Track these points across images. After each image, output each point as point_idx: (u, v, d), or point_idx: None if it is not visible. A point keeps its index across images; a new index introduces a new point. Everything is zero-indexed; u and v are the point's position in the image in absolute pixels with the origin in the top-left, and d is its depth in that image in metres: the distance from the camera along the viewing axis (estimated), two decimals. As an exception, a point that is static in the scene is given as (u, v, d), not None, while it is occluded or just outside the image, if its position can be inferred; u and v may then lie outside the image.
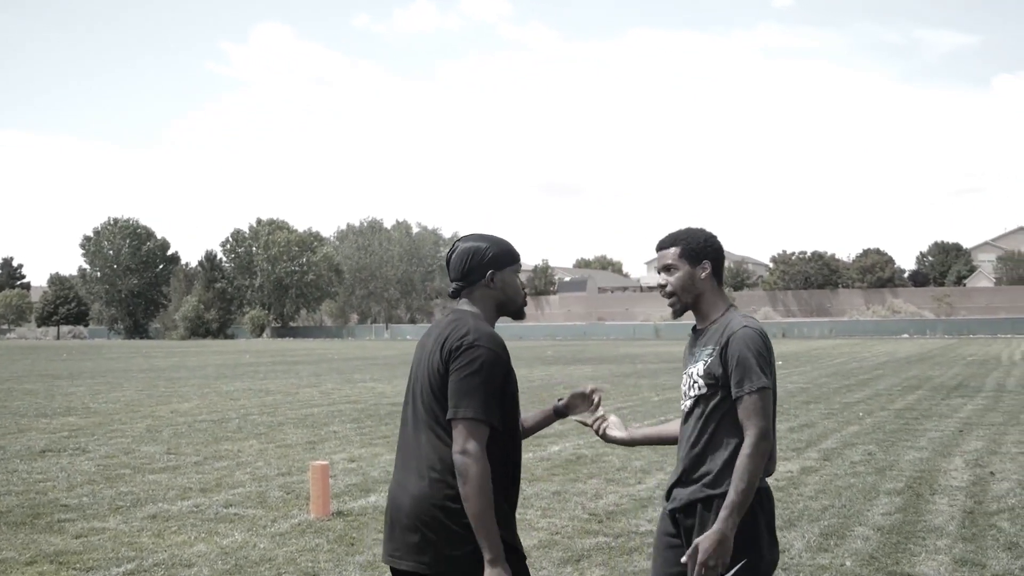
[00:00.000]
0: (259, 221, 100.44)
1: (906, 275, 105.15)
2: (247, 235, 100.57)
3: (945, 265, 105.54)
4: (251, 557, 7.20)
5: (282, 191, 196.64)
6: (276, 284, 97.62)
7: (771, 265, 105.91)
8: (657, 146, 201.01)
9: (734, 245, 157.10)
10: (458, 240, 3.58)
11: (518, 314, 3.60)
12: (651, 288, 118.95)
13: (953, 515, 8.35)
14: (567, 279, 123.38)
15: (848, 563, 6.87)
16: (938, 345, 50.18)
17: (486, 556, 3.14)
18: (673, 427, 4.05)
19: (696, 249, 3.80)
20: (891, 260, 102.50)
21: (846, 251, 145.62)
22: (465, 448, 3.14)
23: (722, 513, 3.52)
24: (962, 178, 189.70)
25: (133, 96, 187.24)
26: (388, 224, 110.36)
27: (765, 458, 3.59)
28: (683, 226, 3.93)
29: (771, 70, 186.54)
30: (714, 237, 3.87)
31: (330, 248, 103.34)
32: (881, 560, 6.94)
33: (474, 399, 3.18)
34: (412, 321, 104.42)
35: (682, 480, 3.77)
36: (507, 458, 3.35)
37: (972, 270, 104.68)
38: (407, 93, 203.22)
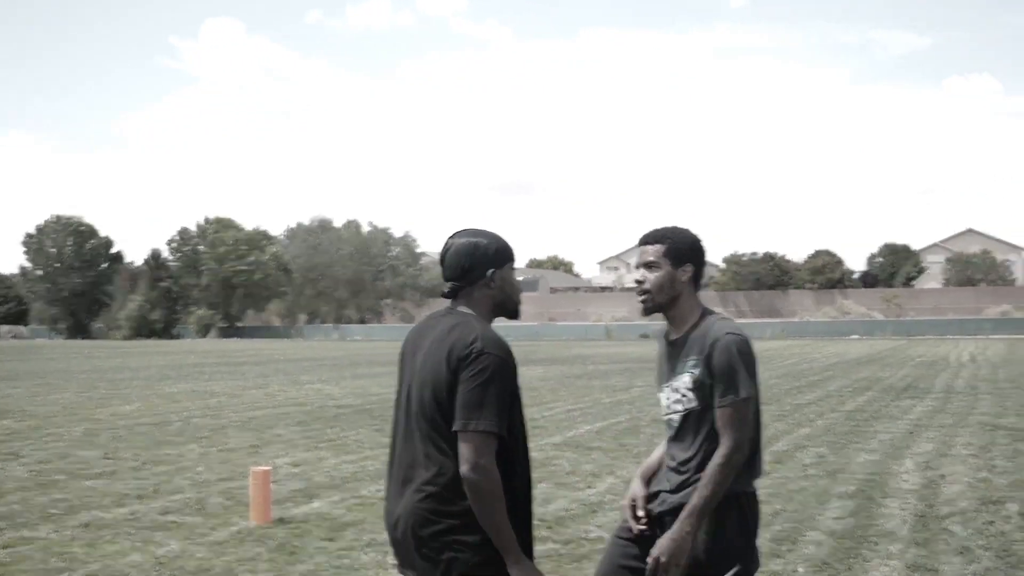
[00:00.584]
0: (206, 219, 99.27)
1: (856, 276, 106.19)
2: (194, 233, 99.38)
3: (894, 266, 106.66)
4: (187, 567, 7.00)
5: (230, 189, 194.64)
6: (223, 283, 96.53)
7: (722, 266, 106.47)
8: (610, 146, 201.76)
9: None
10: (453, 236, 3.43)
11: (515, 313, 3.49)
12: (603, 288, 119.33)
13: (905, 519, 8.33)
14: (519, 279, 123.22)
15: (801, 569, 6.80)
16: (887, 346, 50.65)
17: (508, 560, 3.16)
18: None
19: (681, 250, 3.73)
20: (841, 261, 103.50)
21: (797, 252, 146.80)
22: (477, 462, 3.07)
23: (682, 515, 3.53)
24: (912, 180, 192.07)
25: (79, 91, 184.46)
26: (338, 223, 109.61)
27: (736, 469, 3.57)
28: (667, 224, 3.87)
29: (725, 70, 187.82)
30: (700, 241, 3.81)
31: (279, 247, 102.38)
32: (834, 566, 6.88)
33: (486, 411, 3.10)
34: (362, 321, 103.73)
35: (672, 483, 3.71)
36: (514, 469, 3.25)
37: (921, 271, 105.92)
38: (359, 90, 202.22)
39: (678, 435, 3.74)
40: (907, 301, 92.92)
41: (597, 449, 12.26)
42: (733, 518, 3.60)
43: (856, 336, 70.47)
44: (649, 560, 3.55)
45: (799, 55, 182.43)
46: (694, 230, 3.84)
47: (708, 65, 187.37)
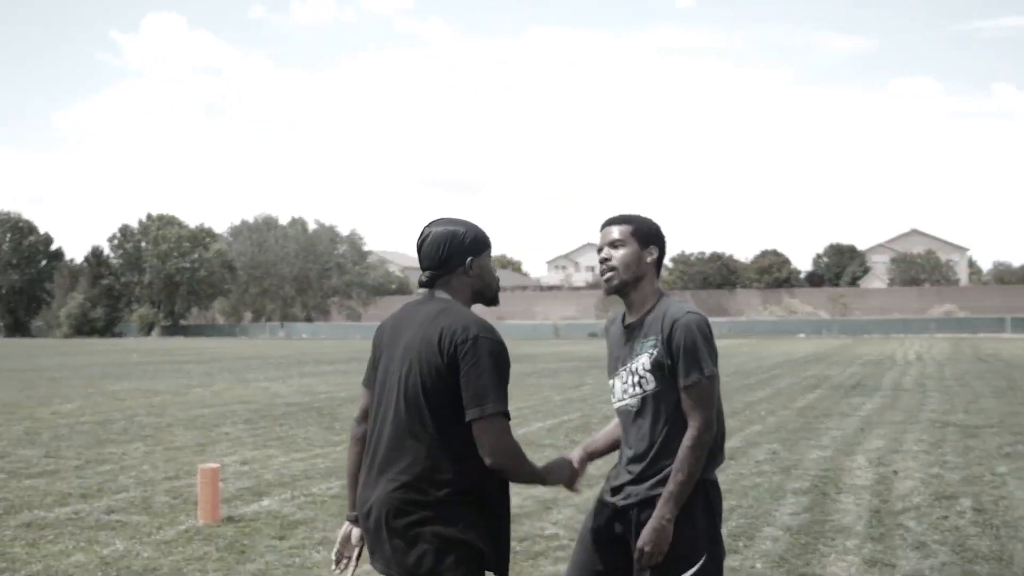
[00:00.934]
0: (149, 216, 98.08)
1: (802, 276, 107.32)
2: (136, 231, 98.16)
3: (840, 266, 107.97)
4: (133, 567, 6.83)
5: (173, 185, 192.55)
6: (166, 281, 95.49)
7: (670, 265, 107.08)
8: (557, 145, 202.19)
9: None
10: (430, 225, 3.43)
11: (494, 300, 3.49)
12: (551, 287, 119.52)
13: (860, 515, 8.35)
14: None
15: (759, 565, 6.78)
16: (834, 345, 51.17)
17: (547, 482, 3.46)
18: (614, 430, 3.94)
19: (648, 232, 3.73)
20: (788, 261, 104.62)
21: (744, 252, 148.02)
22: (502, 444, 3.12)
23: (660, 503, 3.50)
24: (858, 181, 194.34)
25: (17, 86, 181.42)
26: (284, 220, 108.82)
27: (707, 449, 3.55)
28: (632, 212, 3.83)
29: (670, 70, 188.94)
30: (661, 228, 3.80)
31: (223, 244, 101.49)
32: (791, 562, 6.87)
33: (496, 394, 3.12)
34: (308, 320, 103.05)
35: (634, 474, 3.66)
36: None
37: (866, 271, 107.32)
38: (303, 86, 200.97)
39: (636, 422, 3.68)
40: (853, 301, 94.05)
41: (549, 447, 12.18)
42: (700, 506, 3.57)
43: (803, 335, 71.18)
44: (635, 552, 3.52)
45: (744, 56, 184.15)
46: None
47: (654, 65, 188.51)
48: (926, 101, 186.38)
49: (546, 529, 7.91)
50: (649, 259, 3.71)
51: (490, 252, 3.46)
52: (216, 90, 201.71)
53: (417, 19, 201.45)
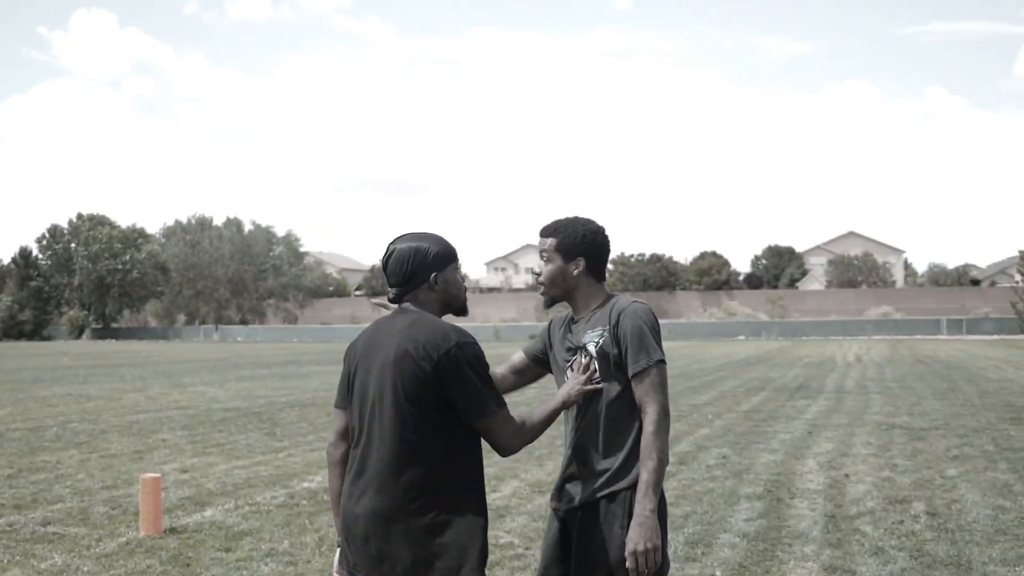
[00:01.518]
0: (79, 216, 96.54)
1: (741, 278, 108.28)
2: (66, 231, 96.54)
3: (778, 268, 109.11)
4: (73, 582, 6.61)
5: (104, 185, 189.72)
6: (97, 283, 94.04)
7: (609, 267, 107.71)
8: (497, 146, 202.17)
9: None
10: (394, 242, 3.48)
11: (462, 311, 3.54)
12: (491, 289, 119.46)
13: (816, 520, 8.34)
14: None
15: (718, 573, 6.72)
16: (774, 347, 51.70)
17: (561, 403, 3.56)
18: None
19: (572, 244, 3.71)
20: (727, 263, 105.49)
21: (683, 254, 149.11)
22: (513, 431, 3.30)
23: (638, 496, 3.43)
24: (796, 182, 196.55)
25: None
26: (219, 221, 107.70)
27: (669, 433, 3.53)
28: (566, 216, 3.79)
29: (610, 71, 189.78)
30: (595, 232, 3.76)
31: (156, 245, 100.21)
32: (751, 568, 6.82)
33: (490, 393, 3.26)
34: (243, 322, 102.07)
35: (577, 476, 3.62)
36: (478, 454, 3.38)
37: (804, 273, 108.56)
38: (237, 85, 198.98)
39: (581, 417, 3.64)
40: (791, 303, 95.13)
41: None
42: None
43: (742, 337, 71.90)
44: (627, 556, 3.40)
45: (683, 58, 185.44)
46: (594, 220, 3.82)
47: (593, 66, 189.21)
48: (862, 104, 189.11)
49: (500, 539, 7.79)
50: (576, 271, 3.70)
51: (456, 265, 3.50)
52: (148, 88, 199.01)
53: (354, 18, 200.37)
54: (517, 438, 3.32)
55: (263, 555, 7.30)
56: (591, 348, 3.60)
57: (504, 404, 3.30)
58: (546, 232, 3.75)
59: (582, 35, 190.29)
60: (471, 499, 3.30)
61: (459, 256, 3.54)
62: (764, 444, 12.91)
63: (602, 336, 3.58)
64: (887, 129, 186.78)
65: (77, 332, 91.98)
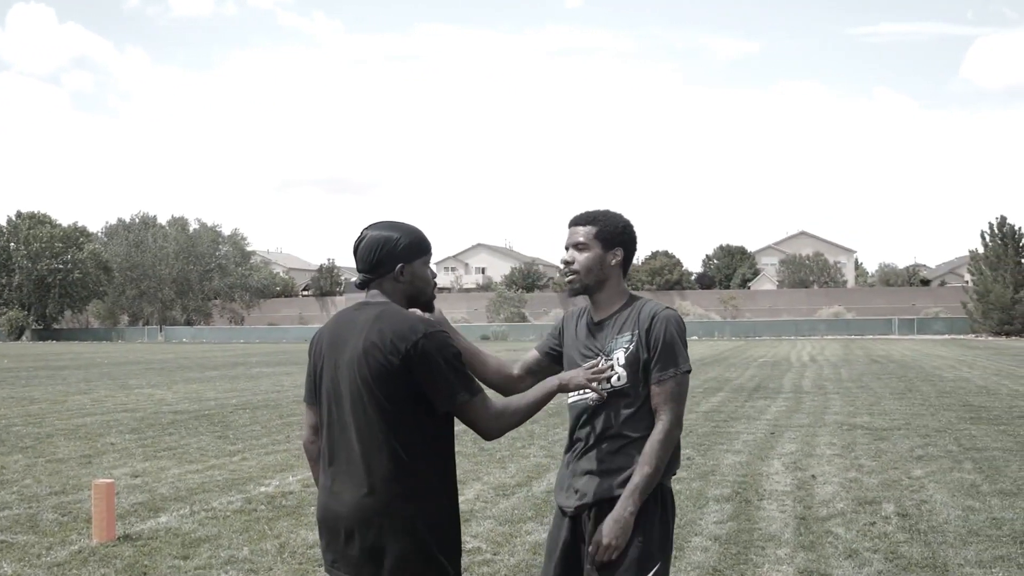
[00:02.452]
0: (18, 214, 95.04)
1: (693, 278, 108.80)
2: (4, 230, 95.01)
3: (730, 268, 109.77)
4: (25, 593, 6.40)
5: (44, 183, 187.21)
6: (37, 283, 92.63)
7: (562, 267, 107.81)
8: (446, 145, 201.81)
9: (523, 246, 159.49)
10: (367, 228, 3.46)
11: (428, 306, 3.52)
12: (441, 289, 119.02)
13: (787, 522, 8.29)
14: (353, 279, 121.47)
15: (693, 577, 6.65)
16: (727, 347, 51.98)
17: (558, 385, 3.48)
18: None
19: (613, 233, 3.72)
20: (679, 263, 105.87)
21: (636, 253, 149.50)
22: (490, 415, 3.26)
23: (624, 496, 3.44)
24: (747, 182, 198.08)
25: None
26: (163, 219, 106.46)
27: (674, 446, 3.53)
28: (599, 207, 3.83)
29: (559, 70, 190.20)
30: (632, 226, 3.81)
31: (98, 244, 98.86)
32: (725, 572, 6.77)
33: (462, 381, 3.24)
34: (188, 323, 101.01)
35: (591, 472, 3.60)
36: (451, 444, 3.39)
37: (756, 273, 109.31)
38: (182, 81, 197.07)
39: (594, 418, 3.62)
40: (743, 303, 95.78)
41: (459, 454, 11.93)
42: (658, 512, 3.55)
43: (695, 337, 72.26)
44: (591, 545, 3.49)
45: (633, 57, 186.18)
46: (626, 215, 3.85)
47: (543, 65, 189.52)
48: (811, 104, 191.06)
49: (467, 543, 7.66)
50: (614, 261, 3.72)
51: (428, 258, 3.49)
52: (88, 84, 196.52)
53: (300, 14, 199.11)
54: (498, 421, 3.29)
55: (222, 563, 7.12)
56: (620, 355, 3.58)
57: (480, 390, 3.30)
58: (583, 220, 3.73)
59: (532, 33, 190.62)
60: (448, 489, 3.32)
61: (431, 251, 3.51)
62: (727, 445, 12.88)
63: (632, 341, 3.58)
64: (837, 129, 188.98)
65: (17, 333, 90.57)
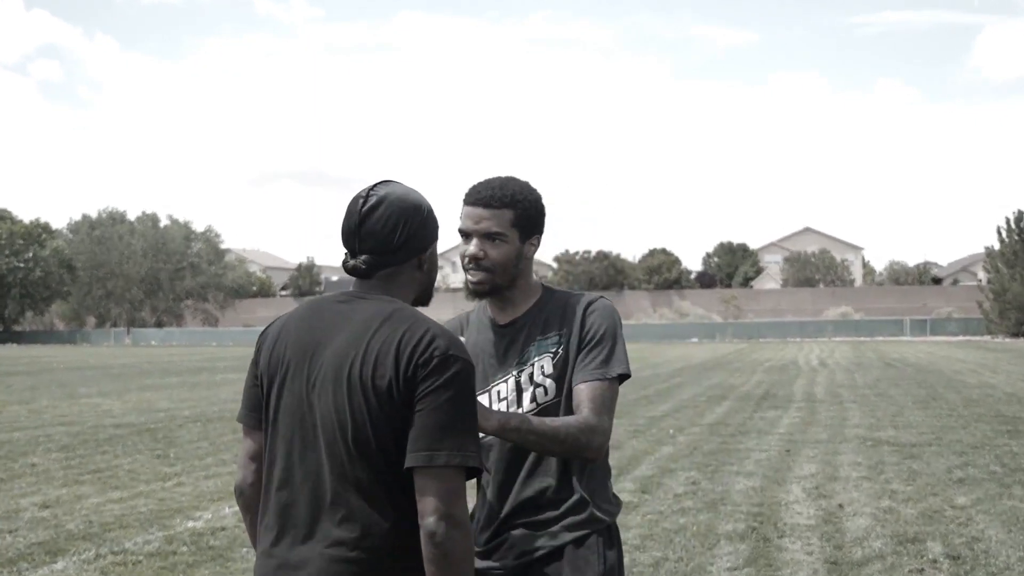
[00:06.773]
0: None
1: (693, 276, 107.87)
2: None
3: (732, 266, 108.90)
4: None
5: (5, 177, 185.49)
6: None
7: (554, 265, 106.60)
8: (423, 137, 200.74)
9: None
10: (377, 187, 2.54)
11: (428, 301, 2.70)
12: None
13: (815, 567, 7.16)
14: (334, 278, 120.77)
15: (705, 650, 5.51)
16: (730, 349, 51.00)
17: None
18: None
19: (533, 218, 3.00)
20: (678, 261, 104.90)
21: (631, 251, 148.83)
22: (450, 511, 2.29)
23: (513, 420, 2.76)
24: (748, 177, 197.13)
25: None
26: (132, 216, 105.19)
27: (583, 450, 2.81)
28: (500, 176, 3.03)
29: (544, 61, 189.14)
30: (542, 199, 3.08)
31: (61, 242, 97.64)
32: (745, 642, 5.62)
33: (460, 437, 2.34)
34: (159, 325, 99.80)
35: (523, 518, 2.95)
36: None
37: (759, 271, 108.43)
38: (153, 71, 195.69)
39: (520, 452, 2.93)
40: (746, 302, 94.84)
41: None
42: (615, 555, 2.98)
43: (695, 339, 71.37)
44: None
45: (619, 48, 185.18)
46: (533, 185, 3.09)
47: (526, 54, 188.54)
48: (812, 95, 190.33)
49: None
50: (531, 253, 3.02)
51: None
52: (56, 73, 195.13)
53: (275, 1, 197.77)
54: (456, 529, 2.42)
55: (116, 628, 5.97)
56: (546, 363, 2.95)
57: (473, 468, 2.48)
58: (495, 201, 2.93)
59: (515, 22, 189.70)
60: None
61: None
62: (738, 466, 11.74)
63: (559, 344, 2.95)
64: (841, 121, 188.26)
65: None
